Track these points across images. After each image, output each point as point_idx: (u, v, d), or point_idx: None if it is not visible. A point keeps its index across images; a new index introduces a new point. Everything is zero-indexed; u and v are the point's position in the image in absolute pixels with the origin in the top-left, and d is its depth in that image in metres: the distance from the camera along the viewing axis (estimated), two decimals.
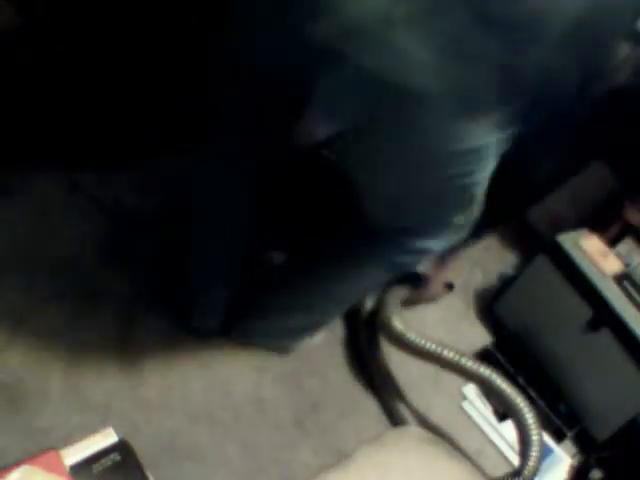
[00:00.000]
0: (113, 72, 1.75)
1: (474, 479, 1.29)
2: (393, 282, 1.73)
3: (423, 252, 1.44)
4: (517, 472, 1.51)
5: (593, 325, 1.86)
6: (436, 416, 1.77)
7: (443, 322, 2.04)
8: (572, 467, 1.86)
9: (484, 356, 1.98)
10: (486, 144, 1.16)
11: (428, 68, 1.00)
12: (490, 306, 2.13)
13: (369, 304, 1.83)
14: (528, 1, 0.98)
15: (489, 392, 1.73)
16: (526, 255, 2.33)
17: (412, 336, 1.63)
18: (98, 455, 0.87)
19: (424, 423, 1.73)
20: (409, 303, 1.85)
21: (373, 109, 1.09)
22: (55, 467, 0.81)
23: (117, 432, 0.90)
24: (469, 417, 1.83)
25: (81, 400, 1.36)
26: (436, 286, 1.87)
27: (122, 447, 0.88)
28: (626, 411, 1.82)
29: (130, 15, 1.68)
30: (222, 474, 1.40)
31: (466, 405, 1.85)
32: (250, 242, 1.52)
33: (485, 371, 1.59)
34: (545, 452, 1.86)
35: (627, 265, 1.99)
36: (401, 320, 1.68)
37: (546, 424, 1.91)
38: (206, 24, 1.45)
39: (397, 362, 1.83)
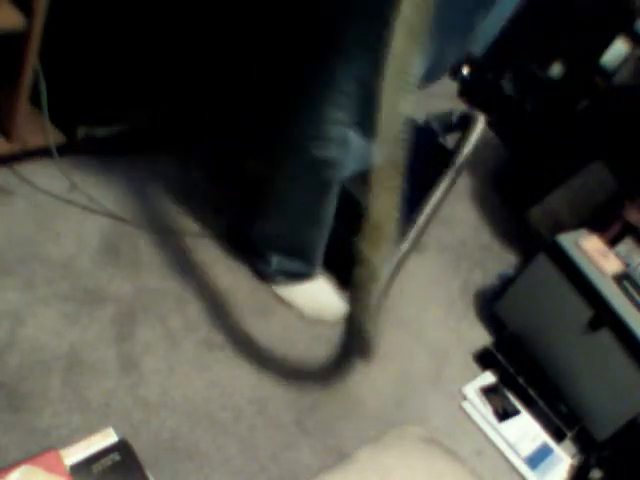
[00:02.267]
0: (114, 71, 1.75)
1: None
2: None
3: None
4: None
5: (593, 325, 1.86)
6: (436, 416, 1.77)
7: (443, 322, 2.04)
8: (572, 467, 1.87)
9: (484, 356, 1.99)
10: None
11: None
12: (490, 306, 2.13)
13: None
14: None
15: None
16: (526, 255, 2.33)
17: None
18: (98, 455, 0.86)
19: (424, 423, 1.73)
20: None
21: None
22: (55, 467, 0.81)
23: (117, 432, 0.89)
24: (469, 417, 1.84)
25: (81, 400, 1.36)
26: None
27: (122, 447, 0.88)
28: (626, 411, 1.82)
29: (130, 15, 1.68)
30: (222, 474, 1.40)
31: (466, 405, 1.85)
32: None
33: None
34: (545, 452, 1.87)
35: (627, 265, 1.99)
36: None
37: (546, 424, 1.92)
38: None
39: (395, 360, 1.84)
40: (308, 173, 1.59)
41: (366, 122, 1.49)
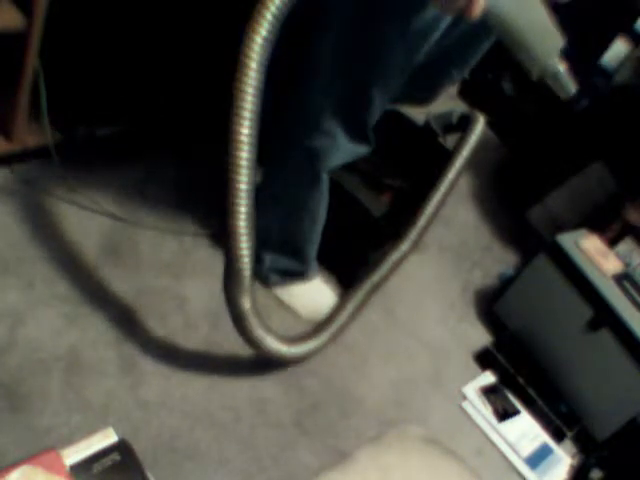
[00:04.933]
0: (113, 70, 1.75)
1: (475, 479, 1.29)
2: None
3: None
4: None
5: (593, 325, 1.86)
6: (436, 416, 1.77)
7: (443, 322, 2.04)
8: (572, 467, 1.86)
9: (484, 356, 1.99)
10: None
11: None
12: (490, 306, 2.13)
13: None
14: None
15: None
16: (526, 255, 2.33)
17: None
18: (98, 455, 0.86)
19: (424, 423, 1.73)
20: None
21: None
22: (55, 467, 0.81)
23: (117, 432, 0.89)
24: (469, 417, 1.83)
25: (81, 400, 1.36)
26: None
27: (122, 447, 0.88)
28: (626, 411, 1.82)
29: (129, 14, 1.69)
30: (222, 474, 1.40)
31: (466, 405, 1.85)
32: None
33: None
34: (545, 452, 1.86)
35: (627, 265, 1.99)
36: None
37: (546, 424, 1.91)
38: None
39: (395, 360, 1.84)
40: (296, 164, 1.59)
41: (351, 122, 1.50)
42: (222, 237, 1.31)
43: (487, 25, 1.18)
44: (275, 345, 1.45)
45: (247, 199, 1.23)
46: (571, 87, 1.26)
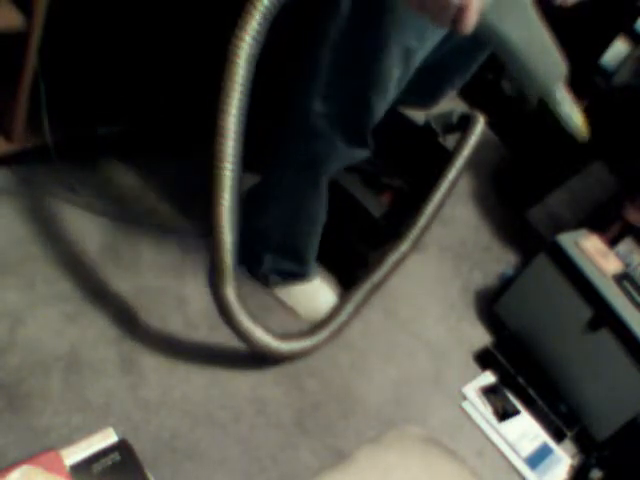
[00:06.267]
0: (114, 70, 1.75)
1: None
2: None
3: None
4: None
5: (593, 325, 1.86)
6: (436, 416, 1.77)
7: (443, 322, 2.04)
8: (572, 467, 1.86)
9: (484, 356, 1.99)
10: None
11: None
12: (490, 306, 2.13)
13: None
14: None
15: None
16: (526, 255, 2.33)
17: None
18: (98, 455, 0.86)
19: (424, 423, 1.73)
20: None
21: None
22: (55, 467, 0.81)
23: (117, 432, 0.89)
24: (469, 417, 1.83)
25: (81, 400, 1.36)
26: None
27: (122, 447, 0.88)
28: (626, 411, 1.82)
29: (130, 14, 1.69)
30: (222, 474, 1.40)
31: (466, 405, 1.85)
32: None
33: None
34: (545, 452, 1.86)
35: (627, 265, 1.99)
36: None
37: (546, 424, 1.91)
38: None
39: (395, 360, 1.84)
40: (295, 168, 1.60)
41: (350, 127, 1.50)
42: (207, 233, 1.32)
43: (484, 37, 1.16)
44: (265, 338, 1.46)
45: (230, 194, 1.26)
46: (577, 118, 1.21)
